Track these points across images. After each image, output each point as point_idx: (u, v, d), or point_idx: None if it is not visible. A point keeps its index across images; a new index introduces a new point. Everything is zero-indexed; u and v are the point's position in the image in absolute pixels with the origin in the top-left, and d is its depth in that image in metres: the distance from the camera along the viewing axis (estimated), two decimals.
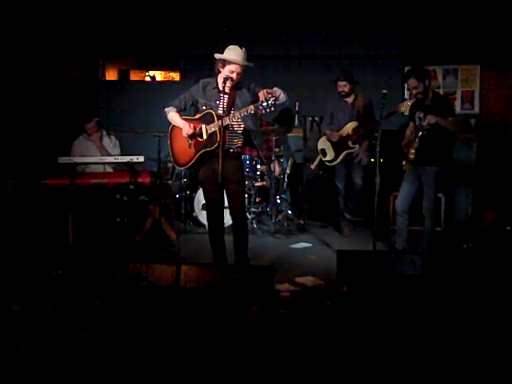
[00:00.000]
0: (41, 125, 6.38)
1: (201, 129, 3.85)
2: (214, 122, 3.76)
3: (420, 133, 4.50)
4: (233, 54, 3.77)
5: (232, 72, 3.77)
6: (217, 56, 3.82)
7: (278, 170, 6.19)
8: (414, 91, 4.56)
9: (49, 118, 6.50)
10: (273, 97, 3.54)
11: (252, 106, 3.61)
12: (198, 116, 3.94)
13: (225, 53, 3.80)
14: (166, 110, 4.02)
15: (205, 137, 3.84)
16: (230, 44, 3.86)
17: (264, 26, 7.08)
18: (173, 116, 3.99)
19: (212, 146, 3.77)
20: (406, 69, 5.35)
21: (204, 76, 4.06)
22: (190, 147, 3.93)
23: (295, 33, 7.12)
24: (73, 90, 6.84)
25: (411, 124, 4.75)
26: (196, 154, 3.90)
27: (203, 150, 3.86)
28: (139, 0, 6.85)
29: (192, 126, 3.86)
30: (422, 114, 4.55)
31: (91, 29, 7.22)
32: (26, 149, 5.95)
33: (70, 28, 7.01)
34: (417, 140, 4.51)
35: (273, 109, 3.54)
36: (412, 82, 4.53)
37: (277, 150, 6.12)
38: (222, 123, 3.68)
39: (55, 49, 6.92)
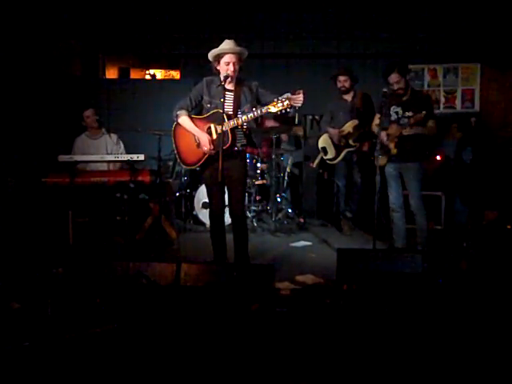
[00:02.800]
0: (41, 123, 6.39)
1: (209, 128, 3.82)
2: (223, 121, 3.69)
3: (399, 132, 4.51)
4: (222, 45, 3.79)
5: (228, 63, 3.75)
6: (210, 56, 3.82)
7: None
8: (396, 86, 4.51)
9: (49, 116, 6.51)
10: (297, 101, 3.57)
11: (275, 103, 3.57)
12: (205, 115, 3.89)
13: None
14: (177, 113, 3.89)
15: (214, 136, 3.80)
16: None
17: (264, 25, 7.08)
18: (185, 121, 3.87)
19: (224, 146, 3.69)
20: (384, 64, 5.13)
21: (204, 74, 4.06)
22: (198, 147, 3.86)
23: (295, 32, 7.12)
24: (73, 88, 6.84)
25: (377, 117, 4.63)
26: (205, 154, 3.83)
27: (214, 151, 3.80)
28: None
29: (208, 139, 3.79)
30: (399, 109, 4.55)
31: (91, 27, 7.21)
32: (27, 147, 5.96)
33: (71, 26, 7.01)
34: (396, 137, 4.50)
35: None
36: (395, 76, 4.48)
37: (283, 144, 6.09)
38: (223, 125, 3.65)
39: (56, 47, 6.93)
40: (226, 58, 3.76)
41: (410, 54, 6.87)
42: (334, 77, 5.68)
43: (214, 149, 3.76)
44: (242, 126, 3.84)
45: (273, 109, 3.58)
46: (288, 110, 3.55)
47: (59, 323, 2.93)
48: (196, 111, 4.05)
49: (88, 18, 7.04)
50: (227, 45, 3.79)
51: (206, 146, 3.77)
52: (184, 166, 4.13)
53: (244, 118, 3.70)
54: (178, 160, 4.07)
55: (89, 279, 3.42)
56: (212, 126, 3.80)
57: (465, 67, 7.04)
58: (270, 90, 3.92)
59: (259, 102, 3.86)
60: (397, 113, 4.57)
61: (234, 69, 3.78)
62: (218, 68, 3.84)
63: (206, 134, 3.79)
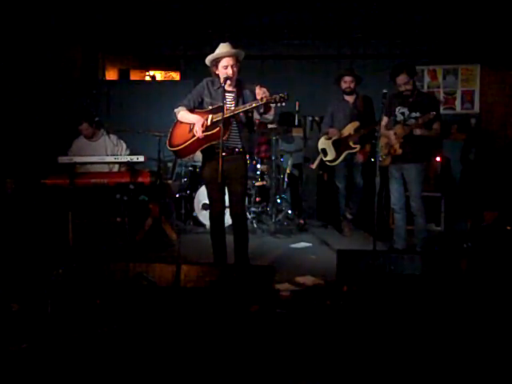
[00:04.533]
0: (41, 124, 6.39)
1: (207, 119, 3.82)
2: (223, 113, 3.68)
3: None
4: (218, 49, 3.81)
5: (226, 67, 3.77)
6: (207, 61, 3.85)
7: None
8: (404, 87, 4.54)
9: (49, 118, 6.51)
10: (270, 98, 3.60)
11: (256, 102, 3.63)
12: (207, 109, 3.90)
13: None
14: (175, 110, 3.95)
15: (209, 123, 3.79)
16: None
17: (264, 26, 7.08)
18: (184, 114, 3.91)
19: (212, 130, 3.71)
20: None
21: (204, 75, 4.06)
22: (189, 131, 3.86)
23: (295, 33, 7.13)
24: (73, 90, 6.84)
25: (386, 119, 4.69)
26: (192, 137, 3.83)
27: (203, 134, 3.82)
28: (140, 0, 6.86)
29: (203, 122, 3.81)
30: (405, 110, 4.57)
31: (91, 28, 7.22)
32: (26, 148, 5.96)
33: (71, 28, 7.01)
34: (401, 138, 4.53)
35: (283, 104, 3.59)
36: (403, 77, 4.50)
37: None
38: (223, 115, 3.63)
39: (55, 48, 6.93)
40: (224, 62, 3.78)
41: (410, 55, 6.87)
42: (338, 77, 5.66)
43: (203, 131, 3.76)
44: (240, 121, 3.86)
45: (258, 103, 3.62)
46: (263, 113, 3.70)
47: (59, 324, 2.93)
48: None
49: (88, 20, 7.04)
50: (223, 48, 3.80)
51: (198, 127, 3.77)
52: (168, 148, 4.06)
53: (241, 108, 3.72)
54: (167, 143, 4.02)
55: (89, 280, 3.42)
56: (210, 115, 3.82)
57: (464, 68, 7.04)
58: (271, 91, 3.92)
59: None
60: (403, 114, 4.58)
61: (233, 71, 3.79)
62: (217, 72, 3.85)
63: (203, 119, 3.81)
